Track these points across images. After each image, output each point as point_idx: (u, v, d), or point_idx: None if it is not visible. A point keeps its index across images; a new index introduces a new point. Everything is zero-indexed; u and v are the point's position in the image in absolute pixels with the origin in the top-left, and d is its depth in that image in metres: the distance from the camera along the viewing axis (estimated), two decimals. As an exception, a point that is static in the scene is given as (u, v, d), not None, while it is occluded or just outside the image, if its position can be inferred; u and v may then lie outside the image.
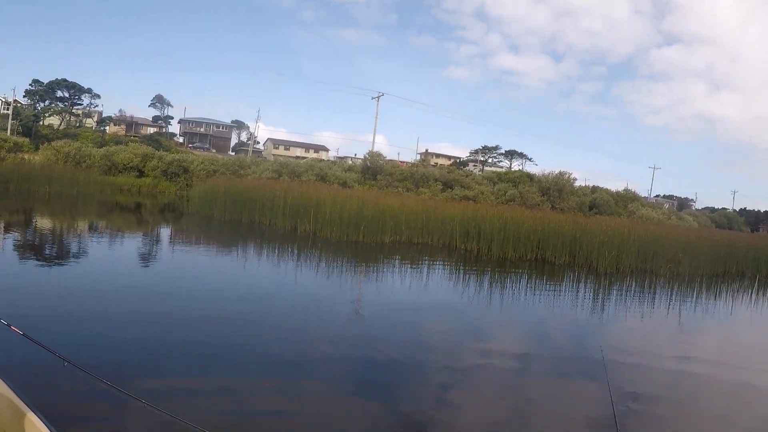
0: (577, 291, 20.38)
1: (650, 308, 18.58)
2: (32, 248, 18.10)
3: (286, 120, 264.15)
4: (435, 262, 23.09)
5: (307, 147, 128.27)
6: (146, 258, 18.48)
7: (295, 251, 22.51)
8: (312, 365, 9.13)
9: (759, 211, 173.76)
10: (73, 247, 19.17)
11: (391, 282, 17.54)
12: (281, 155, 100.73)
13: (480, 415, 7.88)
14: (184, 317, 11.00)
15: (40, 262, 15.49)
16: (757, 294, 26.84)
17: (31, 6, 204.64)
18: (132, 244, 21.86)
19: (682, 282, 25.88)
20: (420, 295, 16.25)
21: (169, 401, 6.70)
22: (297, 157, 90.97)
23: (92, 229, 24.68)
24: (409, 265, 21.55)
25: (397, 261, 22.41)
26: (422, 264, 22.14)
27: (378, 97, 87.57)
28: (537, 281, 21.52)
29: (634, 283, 23.69)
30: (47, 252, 17.80)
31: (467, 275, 20.99)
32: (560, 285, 21.35)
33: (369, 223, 25.44)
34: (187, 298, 12.85)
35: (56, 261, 16.23)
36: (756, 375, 12.04)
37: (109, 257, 17.67)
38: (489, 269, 22.70)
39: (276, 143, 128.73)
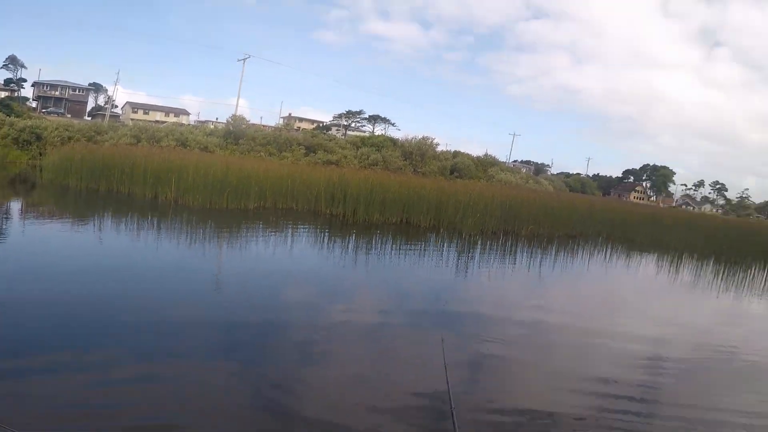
0: (441, 252, 20.76)
1: (510, 266, 19.56)
2: None
3: (147, 83, 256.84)
4: (300, 228, 22.81)
5: (167, 111, 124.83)
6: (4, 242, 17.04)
7: (156, 220, 21.54)
8: (173, 334, 8.98)
9: (611, 176, 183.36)
10: None
11: (255, 248, 17.21)
12: (140, 120, 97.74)
13: (338, 369, 8.29)
14: (33, 298, 10.13)
15: None
16: (611, 252, 28.15)
17: None
18: None
19: (542, 242, 26.88)
20: (285, 260, 16.08)
21: (25, 381, 6.63)
22: (156, 122, 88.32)
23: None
24: (274, 231, 21.25)
25: (261, 227, 22.06)
26: (287, 229, 21.89)
27: (244, 60, 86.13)
28: (402, 244, 21.74)
29: (496, 244, 24.39)
30: None
31: (333, 239, 20.89)
32: (425, 247, 21.66)
33: (233, 189, 24.91)
34: (36, 277, 11.87)
35: None
36: (604, 322, 13.35)
37: None
38: (354, 233, 22.72)
39: (135, 107, 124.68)
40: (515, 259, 21.49)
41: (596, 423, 7.51)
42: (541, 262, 21.36)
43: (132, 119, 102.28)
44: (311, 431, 6.44)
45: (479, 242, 23.99)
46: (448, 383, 6.16)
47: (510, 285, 16.72)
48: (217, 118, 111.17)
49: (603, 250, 28.14)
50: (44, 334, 8.38)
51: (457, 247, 22.38)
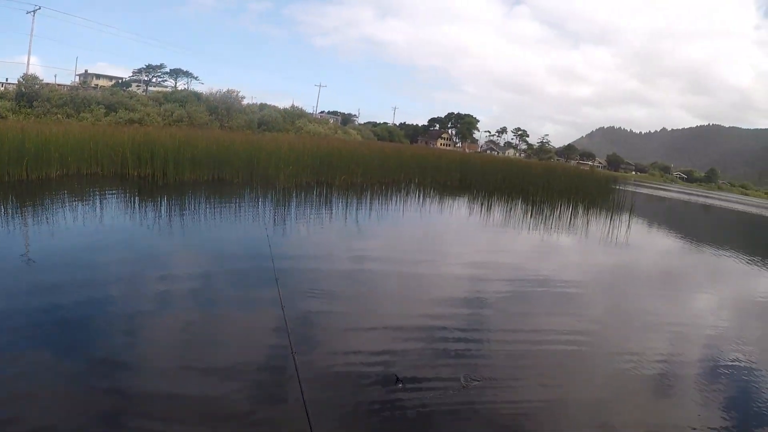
0: (257, 207, 20.74)
1: (327, 217, 19.73)
2: None
3: None
4: (108, 193, 21.80)
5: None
6: None
7: None
8: None
9: (417, 125, 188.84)
10: None
11: (63, 221, 15.94)
12: None
13: (167, 337, 8.22)
14: None
15: None
16: (424, 197, 29.26)
17: None
18: None
19: (356, 191, 27.42)
20: (94, 231, 15.11)
21: None
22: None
23: None
24: (80, 200, 20.25)
25: (66, 197, 20.84)
26: (95, 197, 20.98)
27: (34, 12, 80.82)
28: (216, 202, 21.36)
29: (311, 196, 24.64)
30: None
31: (143, 203, 20.15)
32: (240, 203, 21.44)
33: (32, 157, 23.58)
34: None
35: None
36: (424, 265, 14.03)
37: None
38: (165, 194, 22.07)
39: None
40: (331, 209, 21.71)
41: (424, 354, 8.09)
42: (357, 210, 21.79)
43: None
44: (148, 404, 6.25)
45: (294, 195, 24.04)
46: (288, 329, 6.36)
47: (327, 235, 16.92)
48: (7, 79, 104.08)
49: (416, 196, 29.12)
50: None
51: (272, 201, 22.41)
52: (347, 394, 6.82)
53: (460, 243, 18.18)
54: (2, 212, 17.57)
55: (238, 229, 16.52)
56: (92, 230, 15.26)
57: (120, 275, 11.20)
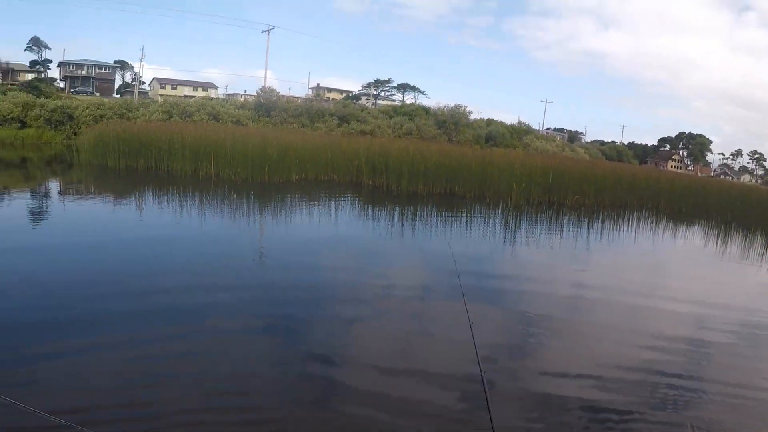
0: (486, 223, 20.18)
1: (557, 237, 18.80)
2: None
3: (171, 58, 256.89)
4: (343, 199, 22.36)
5: (194, 85, 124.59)
6: (36, 215, 16.93)
7: (198, 195, 21.26)
8: (217, 308, 8.95)
9: (646, 144, 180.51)
10: None
11: (300, 220, 16.88)
12: (169, 95, 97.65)
13: (382, 345, 8.14)
14: (85, 275, 10.23)
15: None
16: (657, 222, 27.35)
17: None
18: (19, 201, 20.07)
19: (588, 212, 26.12)
20: (330, 232, 15.77)
21: (68, 362, 6.67)
22: (185, 96, 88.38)
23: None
24: (317, 203, 20.80)
25: (304, 199, 21.61)
26: (331, 201, 21.44)
27: (269, 31, 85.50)
28: (447, 214, 21.16)
29: (541, 215, 23.70)
30: None
31: (376, 210, 20.49)
32: (470, 218, 20.97)
33: (274, 162, 24.48)
34: (87, 254, 11.97)
35: None
36: (646, 297, 12.47)
37: None
38: (397, 204, 22.17)
39: (162, 83, 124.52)
40: (560, 229, 20.79)
41: (639, 391, 7.26)
42: (584, 233, 20.59)
43: (161, 95, 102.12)
44: (350, 399, 6.47)
45: (524, 213, 23.34)
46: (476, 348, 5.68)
47: (556, 257, 16.03)
48: (246, 91, 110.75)
49: (650, 221, 27.32)
50: (84, 306, 8.64)
51: (502, 218, 21.79)
52: (537, 417, 6.34)
53: (689, 276, 16.20)
54: (246, 209, 18.74)
55: (467, 242, 16.09)
56: (327, 231, 15.80)
57: (342, 275, 11.59)
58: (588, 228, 21.98)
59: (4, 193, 20.95)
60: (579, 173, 29.80)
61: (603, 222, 24.19)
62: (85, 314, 8.30)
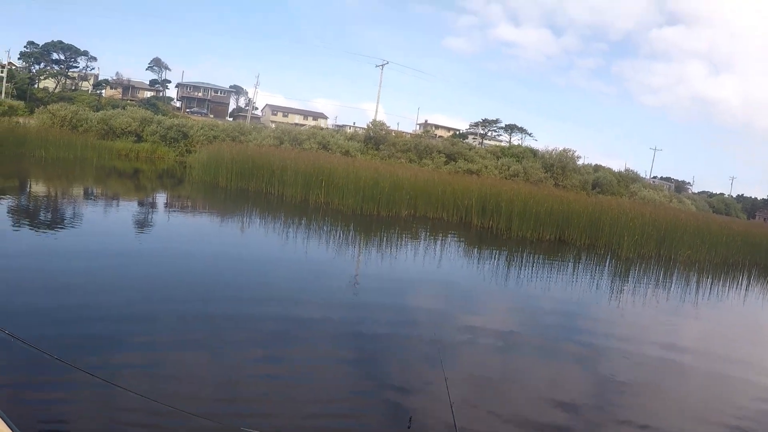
0: (594, 275, 19.64)
1: (661, 294, 17.89)
2: (26, 213, 17.23)
3: (283, 86, 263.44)
4: (451, 239, 22.30)
5: (305, 114, 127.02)
6: (157, 228, 17.79)
7: (306, 222, 21.66)
8: (307, 336, 9.12)
9: (755, 198, 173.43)
10: (71, 213, 18.31)
11: (404, 257, 16.92)
12: (280, 122, 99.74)
13: (462, 389, 7.70)
14: (179, 294, 10.40)
15: (34, 228, 14.82)
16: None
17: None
18: (137, 212, 20.75)
19: (699, 270, 25.10)
20: (433, 273, 15.59)
21: (154, 373, 6.88)
22: (296, 124, 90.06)
23: (95, 195, 23.82)
24: (424, 241, 20.75)
25: (412, 236, 21.64)
26: (438, 240, 21.42)
27: (383, 65, 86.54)
28: (555, 262, 20.76)
29: (652, 269, 22.92)
30: (42, 217, 17.02)
31: (483, 253, 20.24)
32: (578, 267, 20.57)
33: (385, 195, 24.43)
34: (196, 270, 12.39)
35: (50, 227, 15.49)
36: (743, 366, 11.56)
37: (106, 225, 16.89)
38: (506, 248, 21.88)
39: (274, 110, 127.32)
40: (668, 286, 19.93)
41: None
42: (692, 291, 19.53)
43: (272, 121, 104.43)
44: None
45: (635, 267, 22.67)
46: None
47: (652, 314, 15.18)
48: (354, 123, 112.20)
49: (760, 281, 26.02)
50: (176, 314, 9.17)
51: (610, 270, 21.27)
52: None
53: None
54: (352, 242, 18.99)
55: (569, 294, 15.60)
56: (427, 269, 15.75)
57: (430, 316, 11.47)
58: (697, 286, 20.96)
59: (120, 203, 21.55)
60: (691, 227, 28.71)
61: (711, 281, 23.03)
62: (174, 327, 8.70)
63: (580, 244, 25.40)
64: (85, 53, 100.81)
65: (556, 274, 18.46)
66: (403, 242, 19.88)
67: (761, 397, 9.70)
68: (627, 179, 70.33)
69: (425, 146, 59.09)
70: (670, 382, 9.68)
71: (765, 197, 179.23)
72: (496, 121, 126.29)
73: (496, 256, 20.19)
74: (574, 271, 19.60)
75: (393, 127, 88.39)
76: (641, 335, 12.69)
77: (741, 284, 23.50)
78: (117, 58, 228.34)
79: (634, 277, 20.49)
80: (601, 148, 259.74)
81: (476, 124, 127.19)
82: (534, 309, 13.41)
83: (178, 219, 19.77)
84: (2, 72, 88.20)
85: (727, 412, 8.68)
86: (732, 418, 8.43)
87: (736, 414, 8.65)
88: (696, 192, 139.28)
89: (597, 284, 17.64)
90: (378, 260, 16.16)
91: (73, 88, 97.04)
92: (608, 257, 23.67)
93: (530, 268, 18.97)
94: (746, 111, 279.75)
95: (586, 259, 22.45)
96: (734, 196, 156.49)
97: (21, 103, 64.21)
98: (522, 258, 20.62)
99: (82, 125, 50.38)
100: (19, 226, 14.64)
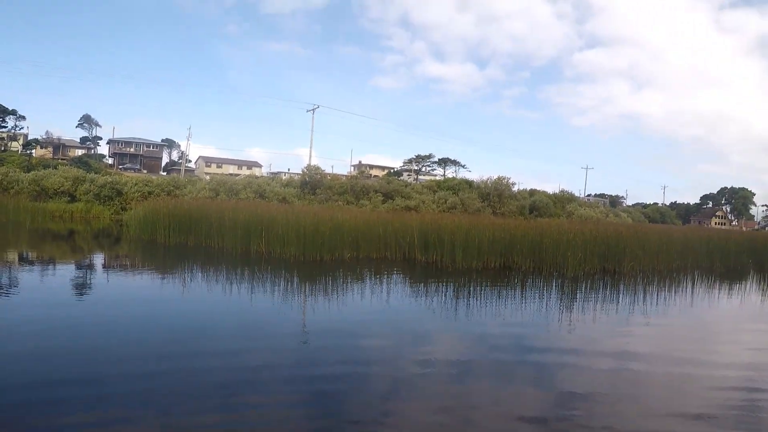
0: (542, 295, 19.77)
1: (611, 307, 18.14)
2: None
3: (215, 137, 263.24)
4: (396, 276, 22.35)
5: (239, 164, 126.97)
6: (91, 288, 17.19)
7: (248, 272, 21.37)
8: (259, 382, 9.11)
9: (688, 203, 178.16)
10: (6, 279, 17.61)
11: (351, 300, 16.66)
12: (214, 173, 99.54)
13: (421, 420, 7.88)
14: (125, 352, 10.17)
15: None
16: (720, 285, 26.79)
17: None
18: (72, 273, 20.31)
19: (646, 279, 25.58)
20: (381, 312, 15.44)
21: None
22: (231, 175, 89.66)
23: (31, 260, 23.20)
24: (370, 281, 20.62)
25: (357, 277, 21.50)
26: (383, 279, 21.36)
27: (313, 110, 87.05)
28: (503, 289, 20.78)
29: (597, 284, 23.16)
30: None
31: (430, 287, 20.21)
32: (526, 291, 20.62)
33: (326, 240, 24.37)
34: (132, 332, 11.86)
35: None
36: (691, 365, 11.81)
37: (40, 289, 16.39)
38: (452, 280, 21.83)
39: (208, 161, 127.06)
40: (616, 298, 20.15)
41: None
42: (641, 300, 19.82)
43: (206, 173, 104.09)
44: None
45: (580, 283, 22.90)
46: None
47: (611, 329, 15.21)
48: (289, 169, 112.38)
49: (710, 284, 26.62)
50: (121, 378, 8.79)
51: (558, 289, 21.48)
52: None
53: (738, 341, 15.46)
54: (296, 288, 18.77)
55: (519, 317, 15.61)
56: (375, 309, 15.67)
57: (388, 355, 11.32)
58: (644, 295, 21.28)
59: (54, 265, 21.19)
60: (631, 238, 29.23)
61: (657, 287, 23.61)
62: (123, 386, 8.48)
63: (525, 268, 25.54)
64: (14, 112, 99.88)
65: (504, 299, 18.45)
66: (349, 284, 19.70)
67: (718, 386, 10.05)
68: (562, 200, 71.77)
69: (361, 187, 59.23)
70: (629, 387, 9.88)
71: (697, 202, 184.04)
72: (430, 156, 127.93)
73: (444, 288, 20.09)
74: (522, 295, 19.68)
75: (328, 170, 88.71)
76: (594, 347, 12.87)
77: (686, 288, 23.83)
78: (46, 117, 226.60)
79: (581, 294, 20.66)
80: (535, 173, 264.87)
81: (410, 161, 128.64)
82: (486, 335, 13.37)
83: (117, 279, 19.25)
84: None
85: (688, 404, 9.08)
86: (693, 407, 8.81)
87: (696, 404, 9.05)
88: (630, 205, 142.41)
89: (546, 304, 17.72)
90: (325, 304, 15.98)
91: (2, 149, 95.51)
92: (554, 277, 23.88)
93: (478, 296, 18.94)
94: (670, 122, 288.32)
95: (532, 282, 22.52)
96: (668, 204, 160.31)
97: (-54, 166, 62.79)
98: (469, 287, 20.60)
99: (12, 187, 49.80)
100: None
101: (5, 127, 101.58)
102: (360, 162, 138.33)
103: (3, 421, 6.86)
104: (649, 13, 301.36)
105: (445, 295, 18.64)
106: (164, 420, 7.29)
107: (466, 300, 17.94)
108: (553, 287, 21.85)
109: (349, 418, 7.74)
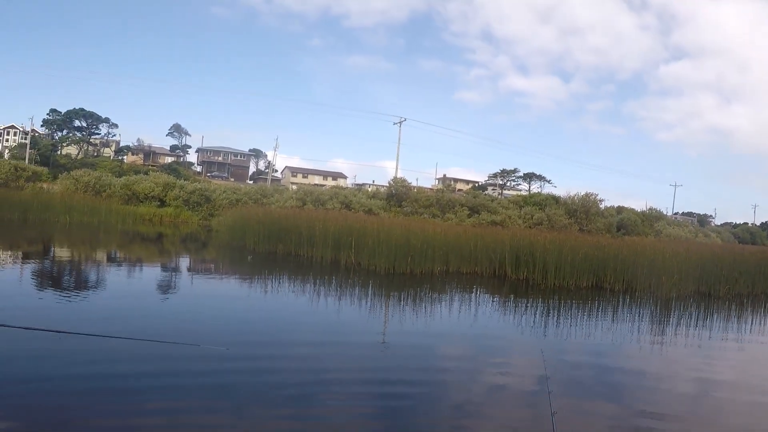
0: (634, 318, 19.28)
1: (707, 333, 17.31)
2: (50, 277, 18.02)
3: (300, 147, 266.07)
4: (484, 292, 22.37)
5: (324, 174, 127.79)
6: (188, 290, 17.95)
7: (337, 283, 21.60)
8: (337, 394, 9.00)
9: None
10: (95, 277, 18.65)
11: (440, 314, 16.66)
12: (300, 183, 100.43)
13: None
14: (217, 351, 10.27)
15: (58, 292, 15.32)
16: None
17: (49, 35, 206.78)
18: (167, 277, 20.85)
19: (742, 304, 24.76)
20: (468, 325, 15.42)
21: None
22: (316, 185, 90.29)
23: (117, 260, 23.83)
24: (459, 297, 20.53)
25: (446, 292, 21.49)
26: (474, 295, 21.35)
27: (400, 122, 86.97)
28: (594, 309, 20.41)
29: (691, 309, 22.26)
30: (66, 282, 17.48)
31: (519, 304, 20.00)
32: (618, 312, 20.28)
33: (417, 252, 24.19)
34: (225, 333, 12.17)
35: (75, 291, 15.91)
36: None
37: (131, 291, 16.92)
38: (543, 298, 21.61)
39: (294, 171, 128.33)
40: (712, 323, 19.50)
41: None
42: (738, 326, 19.18)
43: (292, 183, 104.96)
44: None
45: (674, 307, 22.19)
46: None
47: (713, 353, 14.72)
48: (373, 181, 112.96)
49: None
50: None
51: (649, 313, 20.91)
52: None
53: None
54: (385, 301, 18.96)
55: (609, 339, 15.21)
56: (462, 324, 15.57)
57: (465, 371, 11.15)
58: (738, 319, 20.73)
59: (147, 268, 21.65)
60: (727, 261, 28.11)
61: (754, 312, 23.14)
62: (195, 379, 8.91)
63: (617, 288, 24.90)
64: (107, 120, 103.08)
65: (595, 319, 18.17)
66: (437, 298, 19.74)
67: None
68: (651, 218, 69.96)
69: (448, 200, 59.03)
70: (715, 412, 9.66)
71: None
72: (515, 171, 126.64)
73: (533, 306, 19.89)
74: (613, 316, 19.35)
75: (413, 182, 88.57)
76: (684, 372, 12.45)
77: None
78: (138, 125, 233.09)
79: (674, 317, 20.07)
80: (620, 189, 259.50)
81: (495, 175, 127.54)
82: (571, 353, 13.22)
83: (208, 282, 20.04)
84: (26, 139, 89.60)
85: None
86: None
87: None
88: (719, 224, 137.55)
89: (637, 327, 17.35)
90: (412, 316, 15.98)
91: (95, 154, 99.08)
92: (647, 299, 23.31)
93: (568, 315, 18.71)
94: (761, 137, 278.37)
95: (624, 303, 22.09)
96: (758, 224, 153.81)
97: (44, 169, 65.09)
98: (559, 306, 20.27)
99: (105, 190, 51.19)
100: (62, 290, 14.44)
101: (98, 133, 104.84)
102: (445, 175, 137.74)
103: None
104: (735, 24, 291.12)
105: (535, 314, 18.42)
106: (237, 414, 7.48)
107: (555, 319, 17.75)
108: (646, 309, 21.40)
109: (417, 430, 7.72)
